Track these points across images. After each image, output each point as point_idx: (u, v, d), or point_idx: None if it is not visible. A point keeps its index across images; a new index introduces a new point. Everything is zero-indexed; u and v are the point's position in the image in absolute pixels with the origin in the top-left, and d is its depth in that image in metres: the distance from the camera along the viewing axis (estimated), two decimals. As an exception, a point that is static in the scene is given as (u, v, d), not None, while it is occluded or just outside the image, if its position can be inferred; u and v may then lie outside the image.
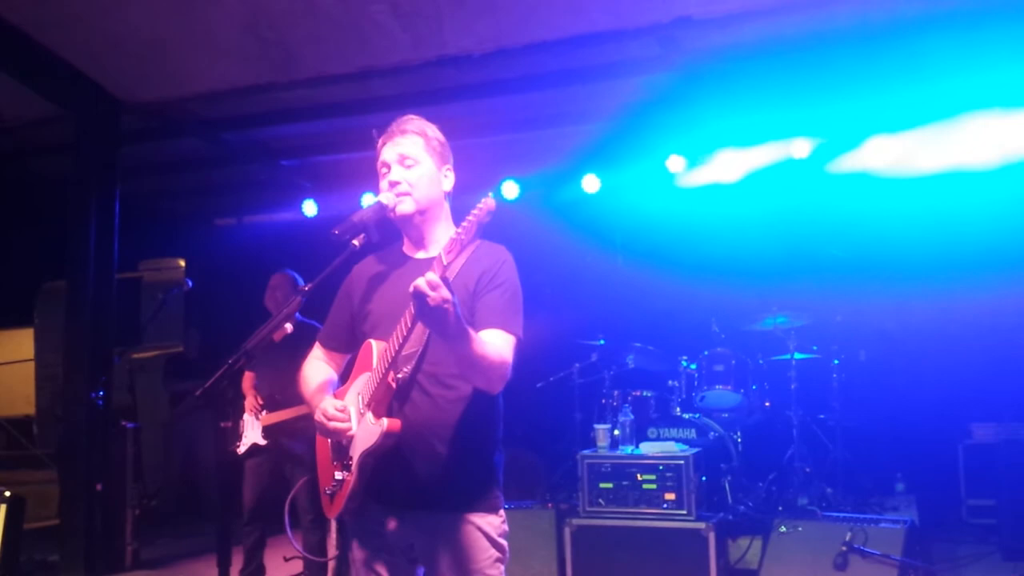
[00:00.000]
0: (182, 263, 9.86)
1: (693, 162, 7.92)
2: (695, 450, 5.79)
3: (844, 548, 5.06)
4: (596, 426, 6.24)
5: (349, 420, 2.73)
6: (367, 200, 8.25)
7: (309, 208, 9.18)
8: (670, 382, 7.12)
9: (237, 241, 9.95)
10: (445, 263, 2.47)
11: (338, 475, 2.78)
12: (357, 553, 2.85)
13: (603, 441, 6.09)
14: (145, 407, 9.43)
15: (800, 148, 7.53)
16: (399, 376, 2.69)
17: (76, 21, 6.56)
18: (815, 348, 7.04)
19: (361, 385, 2.78)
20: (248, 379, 6.12)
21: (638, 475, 5.73)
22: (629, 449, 5.98)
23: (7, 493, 6.80)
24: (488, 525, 2.75)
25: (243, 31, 6.59)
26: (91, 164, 7.38)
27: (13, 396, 10.50)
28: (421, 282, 2.33)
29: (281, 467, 5.96)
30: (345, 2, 6.23)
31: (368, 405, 2.70)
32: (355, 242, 2.82)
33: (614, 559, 5.62)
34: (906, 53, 6.51)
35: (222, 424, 5.45)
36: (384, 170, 2.89)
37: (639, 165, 8.08)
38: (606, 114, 7.60)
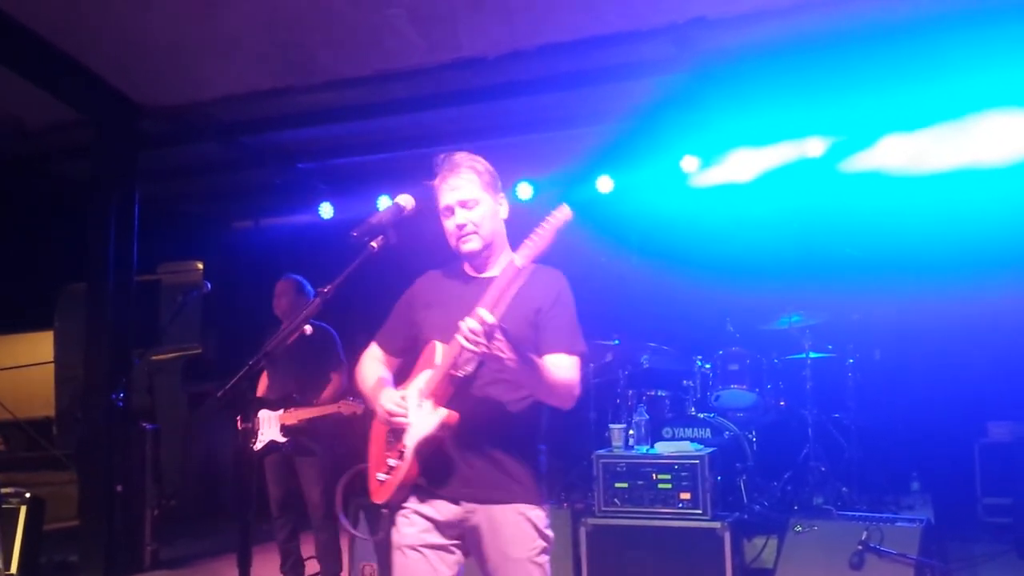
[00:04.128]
0: (200, 266, 9.94)
1: (707, 162, 7.91)
2: (710, 450, 5.80)
3: (860, 547, 5.04)
4: (611, 426, 6.26)
5: (407, 411, 2.87)
6: (384, 202, 8.29)
7: (326, 210, 9.22)
8: (685, 382, 7.12)
9: (254, 243, 10.01)
10: (519, 264, 2.69)
11: (391, 462, 2.89)
12: (403, 537, 2.92)
13: (618, 441, 6.10)
14: (164, 408, 9.49)
15: (814, 147, 7.53)
16: (460, 374, 2.84)
17: (96, 27, 6.63)
18: (830, 347, 7.03)
19: (422, 380, 2.92)
20: (263, 379, 6.20)
21: (653, 475, 5.73)
22: (644, 449, 5.99)
23: (27, 494, 6.89)
24: (536, 517, 2.95)
25: (261, 35, 6.65)
26: (110, 168, 7.46)
27: (33, 398, 10.60)
28: (473, 323, 2.58)
29: (295, 463, 6.03)
30: (361, 6, 6.28)
31: (427, 395, 2.85)
32: (373, 244, 2.87)
33: (629, 559, 5.62)
34: (920, 52, 6.49)
35: (242, 425, 5.50)
36: (448, 214, 3.04)
37: (653, 165, 8.08)
38: (620, 115, 7.60)
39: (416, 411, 2.86)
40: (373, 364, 3.20)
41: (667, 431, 6.58)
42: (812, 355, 6.87)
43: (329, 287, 2.84)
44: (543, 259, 2.78)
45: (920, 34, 6.36)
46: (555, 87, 7.22)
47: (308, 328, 2.88)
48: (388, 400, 2.91)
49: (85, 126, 7.58)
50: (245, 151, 8.73)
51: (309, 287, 6.30)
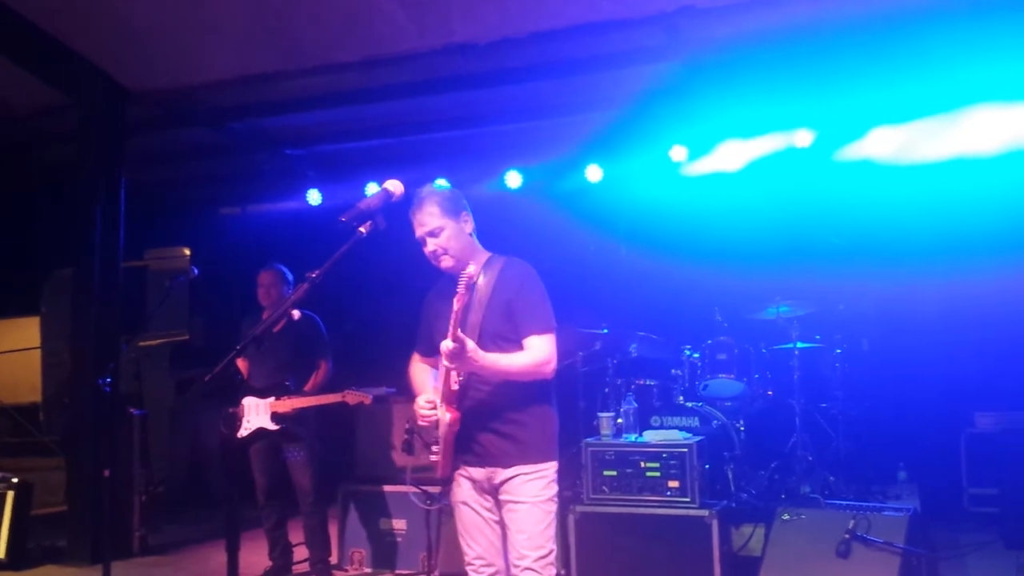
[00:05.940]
0: (187, 251, 9.90)
1: (696, 151, 7.92)
2: (698, 438, 5.80)
3: (847, 536, 5.06)
4: (600, 414, 6.25)
5: (434, 412, 3.53)
6: (372, 189, 8.27)
7: (314, 197, 9.19)
8: (673, 371, 7.11)
9: (242, 230, 9.96)
10: (456, 308, 3.22)
11: (435, 448, 3.60)
12: (455, 496, 3.63)
13: (607, 429, 6.10)
14: (151, 394, 9.46)
15: (803, 138, 7.53)
16: (460, 379, 3.40)
17: (83, 9, 6.58)
18: (818, 337, 7.04)
19: (439, 384, 3.56)
20: (241, 366, 6.17)
21: (642, 463, 5.73)
22: (633, 437, 5.99)
23: (14, 479, 6.87)
24: (543, 472, 3.51)
25: (249, 20, 6.61)
26: (97, 153, 7.41)
27: (19, 383, 10.57)
28: (444, 348, 3.20)
29: (283, 449, 6.02)
30: (350, -10, 6.26)
31: (441, 400, 3.47)
32: (361, 229, 2.87)
33: (617, 546, 5.63)
34: (909, 44, 6.50)
35: (230, 410, 5.49)
36: (422, 243, 3.54)
37: (642, 154, 8.08)
38: (610, 103, 7.60)
39: (440, 411, 3.50)
40: (417, 366, 3.87)
41: (655, 420, 6.58)
42: (800, 345, 6.88)
43: (317, 272, 2.83)
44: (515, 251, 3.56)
45: (909, 27, 6.37)
46: (546, 75, 7.21)
47: (296, 313, 2.87)
48: (417, 405, 3.59)
49: (72, 110, 7.53)
50: (233, 137, 8.69)
51: (290, 275, 6.29)
